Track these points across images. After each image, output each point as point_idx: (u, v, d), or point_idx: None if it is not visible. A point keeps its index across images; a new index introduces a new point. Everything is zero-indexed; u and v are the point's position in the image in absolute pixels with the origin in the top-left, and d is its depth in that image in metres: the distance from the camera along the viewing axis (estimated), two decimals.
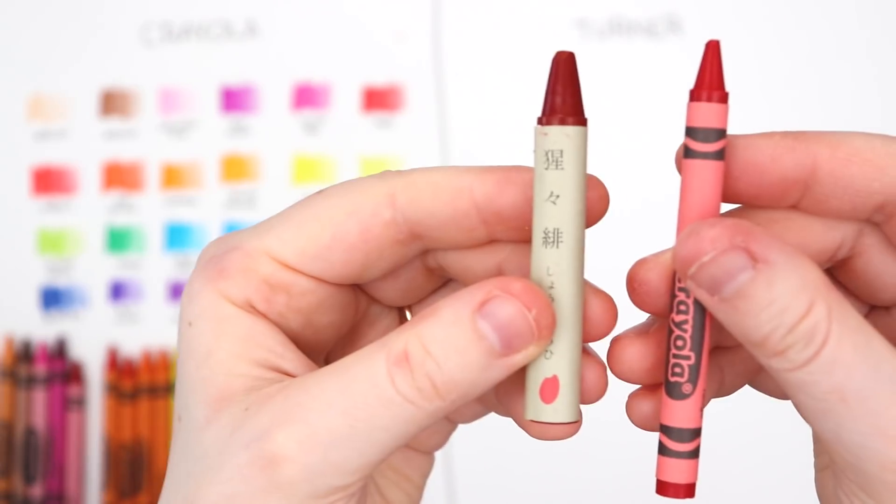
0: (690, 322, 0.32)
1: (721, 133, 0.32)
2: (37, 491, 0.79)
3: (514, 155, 0.82)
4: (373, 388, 0.32)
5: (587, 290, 0.34)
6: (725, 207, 0.35)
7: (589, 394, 0.34)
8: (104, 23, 0.83)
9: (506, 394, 0.36)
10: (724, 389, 0.37)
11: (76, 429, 0.80)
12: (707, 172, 0.32)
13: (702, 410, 0.33)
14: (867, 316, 0.37)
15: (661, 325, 0.35)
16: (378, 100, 0.82)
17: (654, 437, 0.34)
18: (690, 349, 0.32)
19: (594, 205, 0.34)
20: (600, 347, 0.36)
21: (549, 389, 0.33)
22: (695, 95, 0.32)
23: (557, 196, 0.32)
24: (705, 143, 0.32)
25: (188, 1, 0.83)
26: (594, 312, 0.34)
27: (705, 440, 0.34)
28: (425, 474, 0.42)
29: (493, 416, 0.41)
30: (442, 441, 0.42)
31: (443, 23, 0.83)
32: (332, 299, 0.36)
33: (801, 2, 0.82)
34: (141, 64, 0.83)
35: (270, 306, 0.34)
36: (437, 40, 0.82)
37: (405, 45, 0.82)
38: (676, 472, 0.33)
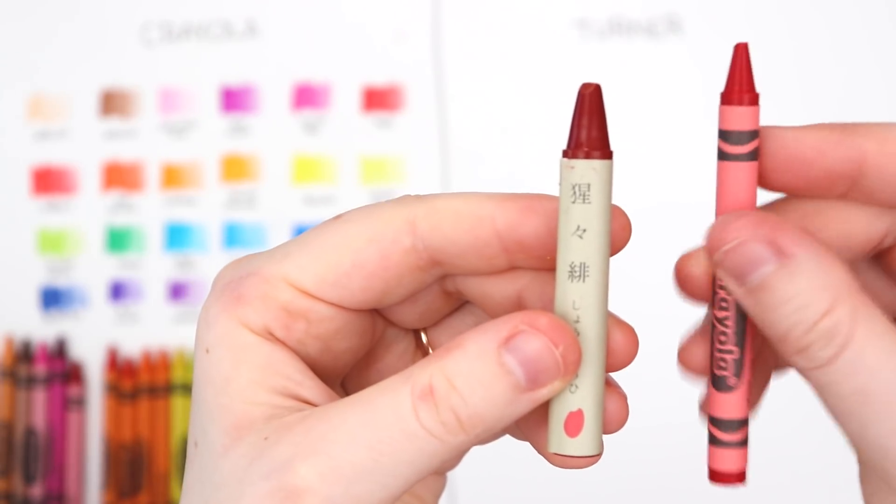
0: (732, 317, 0.33)
1: (753, 134, 0.32)
2: (37, 491, 0.79)
3: (513, 155, 0.82)
4: (397, 422, 0.31)
5: (609, 321, 0.34)
6: (772, 197, 0.35)
7: (611, 424, 0.34)
8: (104, 23, 0.83)
9: (525, 422, 0.36)
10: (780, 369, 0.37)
11: (76, 429, 0.80)
12: (741, 174, 0.32)
13: (749, 401, 0.34)
14: None
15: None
16: (378, 100, 0.82)
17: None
18: (734, 344, 0.33)
19: (617, 234, 0.33)
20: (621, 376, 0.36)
21: (574, 423, 0.33)
22: (726, 99, 0.32)
23: (584, 230, 0.32)
24: (738, 145, 0.32)
25: (188, 1, 0.83)
26: (616, 343, 0.34)
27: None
28: (438, 494, 0.42)
29: None
30: (456, 462, 0.42)
31: (443, 23, 0.83)
32: (350, 325, 0.35)
33: (801, 2, 0.82)
34: (141, 64, 0.83)
35: (289, 333, 0.34)
36: (437, 40, 0.82)
37: (405, 45, 0.82)
38: (728, 461, 0.34)
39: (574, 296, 0.33)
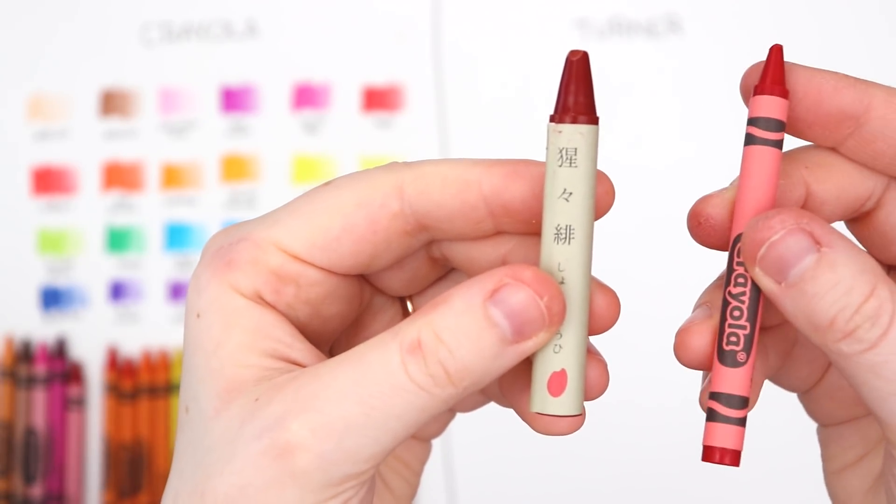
0: (748, 294, 0.34)
1: (781, 125, 0.34)
2: (37, 491, 0.79)
3: (513, 155, 0.82)
4: (386, 377, 0.32)
5: (592, 285, 0.34)
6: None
7: (592, 390, 0.35)
8: (104, 23, 0.83)
9: (509, 386, 0.37)
10: (767, 369, 0.37)
11: (76, 429, 0.80)
12: (767, 157, 0.33)
13: (752, 380, 0.34)
14: None
15: (717, 316, 0.35)
16: (378, 100, 0.82)
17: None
18: (746, 319, 0.34)
19: (601, 199, 0.34)
20: (601, 344, 0.36)
21: (557, 383, 0.33)
22: (759, 90, 0.34)
23: (570, 193, 0.33)
24: (766, 130, 0.33)
25: (188, 1, 0.83)
26: (599, 307, 0.35)
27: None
28: (423, 461, 0.43)
29: (490, 407, 0.42)
30: (440, 429, 0.42)
31: (443, 23, 0.83)
32: (339, 290, 0.36)
33: (801, 1, 0.82)
34: (141, 64, 0.83)
35: (279, 297, 0.35)
36: (437, 40, 0.83)
37: (405, 45, 0.82)
38: (725, 436, 0.34)
39: (559, 257, 0.33)
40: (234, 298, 0.34)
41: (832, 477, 0.39)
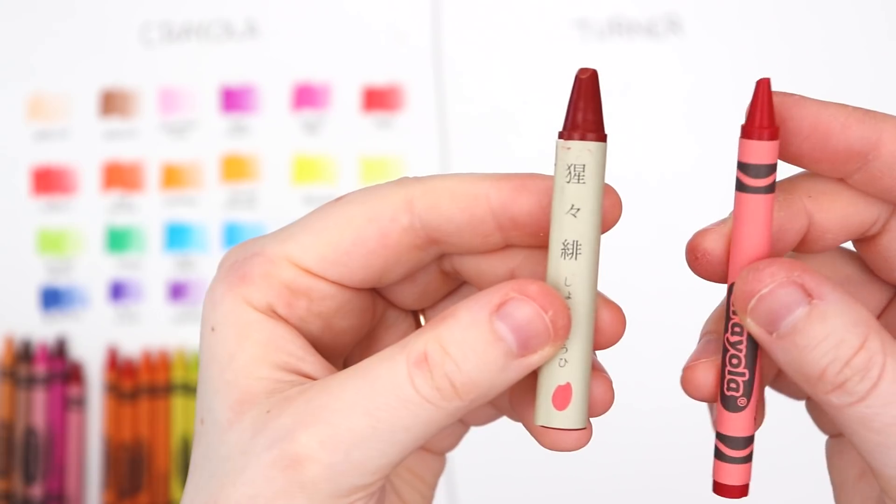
0: (745, 343, 0.34)
1: (772, 168, 0.33)
2: (37, 491, 0.79)
3: (513, 154, 0.82)
4: (393, 389, 0.32)
5: (598, 300, 0.34)
6: (787, 171, 0.36)
7: (597, 407, 0.35)
8: (104, 23, 0.83)
9: (519, 400, 0.37)
10: (764, 377, 0.38)
11: (76, 429, 0.80)
12: (758, 205, 0.33)
13: (755, 419, 0.35)
14: (889, 305, 0.37)
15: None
16: (378, 100, 0.82)
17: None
18: (745, 367, 0.34)
19: (608, 212, 0.34)
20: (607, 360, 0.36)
21: (562, 396, 0.34)
22: (747, 132, 0.33)
23: (578, 209, 0.33)
24: (757, 178, 0.33)
25: (188, 1, 0.83)
26: (604, 322, 0.35)
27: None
28: (438, 474, 0.43)
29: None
30: (455, 443, 0.43)
31: (443, 23, 0.83)
32: (350, 304, 0.36)
33: (800, 2, 0.82)
34: (141, 64, 0.83)
35: (292, 311, 0.35)
36: (437, 40, 0.83)
37: (405, 45, 0.82)
38: (733, 475, 0.35)
39: (566, 273, 0.33)
40: (248, 312, 0.35)
41: (838, 491, 0.39)
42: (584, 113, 0.33)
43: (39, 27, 0.82)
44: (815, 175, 0.35)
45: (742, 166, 0.33)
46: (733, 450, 0.35)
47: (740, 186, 0.33)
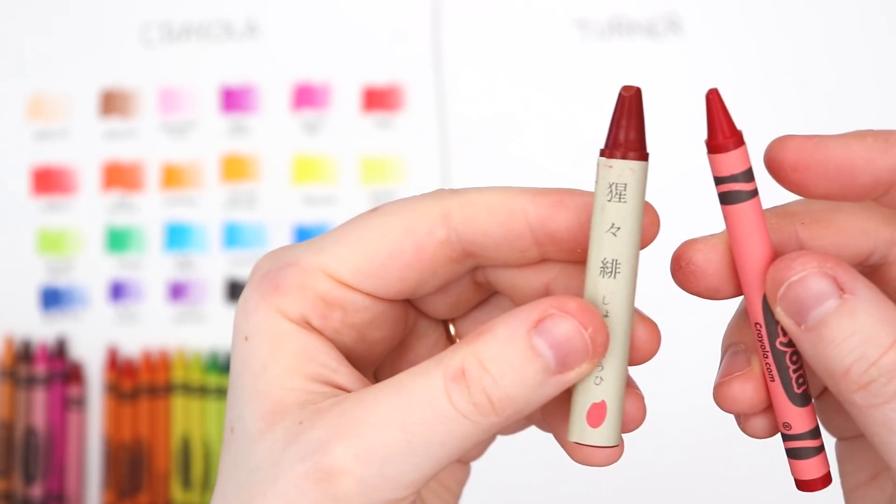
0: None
1: (749, 173, 0.32)
2: (37, 491, 0.79)
3: (514, 154, 0.82)
4: (430, 404, 0.32)
5: (635, 317, 0.34)
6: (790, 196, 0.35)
7: (629, 423, 0.35)
8: (104, 23, 0.83)
9: (552, 413, 0.37)
10: None
11: (76, 429, 0.80)
12: (746, 213, 0.33)
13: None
14: None
15: (755, 362, 0.35)
16: (378, 100, 0.82)
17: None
18: (802, 361, 0.34)
19: (646, 230, 0.34)
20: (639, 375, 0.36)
21: (597, 414, 0.34)
22: (711, 147, 0.33)
23: (618, 228, 0.33)
24: (740, 183, 0.33)
25: (188, 1, 0.83)
26: (640, 339, 0.35)
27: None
28: (463, 483, 0.43)
29: None
30: (481, 451, 0.43)
31: (443, 23, 0.83)
32: (384, 315, 0.36)
33: (799, 2, 0.82)
34: (141, 64, 0.83)
35: (326, 322, 0.35)
36: (437, 40, 0.83)
37: (405, 45, 0.82)
38: (816, 467, 0.35)
39: (604, 291, 0.33)
40: (282, 322, 0.35)
41: (848, 495, 0.39)
42: (627, 132, 0.33)
43: (40, 27, 0.82)
44: (808, 201, 0.35)
45: (720, 180, 0.33)
46: (813, 440, 0.34)
47: (724, 200, 0.33)
